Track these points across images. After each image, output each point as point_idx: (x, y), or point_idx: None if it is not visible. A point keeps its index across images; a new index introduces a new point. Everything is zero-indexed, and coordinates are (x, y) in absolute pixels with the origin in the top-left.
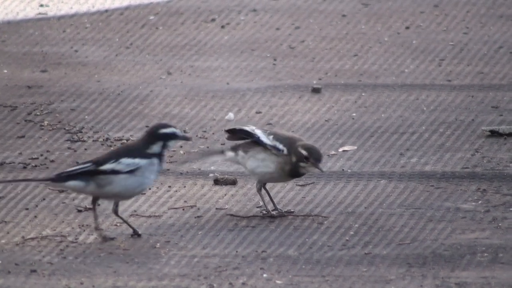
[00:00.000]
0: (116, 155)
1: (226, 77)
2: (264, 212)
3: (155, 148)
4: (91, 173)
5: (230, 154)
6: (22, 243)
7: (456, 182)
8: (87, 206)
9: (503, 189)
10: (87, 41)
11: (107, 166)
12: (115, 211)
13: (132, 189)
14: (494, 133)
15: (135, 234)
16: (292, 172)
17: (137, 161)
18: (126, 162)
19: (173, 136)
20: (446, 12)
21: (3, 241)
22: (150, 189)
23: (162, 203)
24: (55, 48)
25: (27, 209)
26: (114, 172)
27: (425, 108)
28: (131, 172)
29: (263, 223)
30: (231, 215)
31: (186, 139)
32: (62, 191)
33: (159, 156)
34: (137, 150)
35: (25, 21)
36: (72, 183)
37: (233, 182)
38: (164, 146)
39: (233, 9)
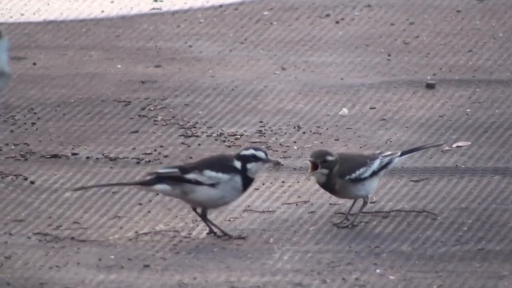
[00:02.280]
0: (201, 166)
1: (340, 72)
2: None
3: (237, 164)
4: (176, 179)
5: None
6: (135, 238)
7: None
8: None
9: None
10: (201, 36)
11: (191, 176)
12: (203, 216)
13: (214, 200)
14: None
15: (225, 234)
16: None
17: (220, 175)
18: (209, 175)
19: (252, 159)
20: None
21: (116, 236)
22: (263, 184)
23: (275, 199)
24: (169, 43)
25: (140, 204)
26: (197, 182)
27: None
28: (212, 185)
29: (376, 218)
30: (341, 213)
31: (269, 161)
32: None
33: (242, 174)
34: (222, 164)
35: (139, 16)
36: (160, 186)
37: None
38: (243, 167)
39: (348, 4)
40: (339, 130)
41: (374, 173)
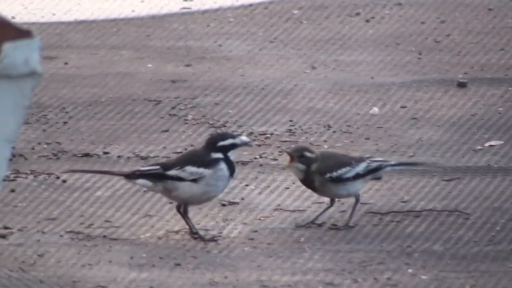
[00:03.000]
0: (182, 162)
1: (371, 71)
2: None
3: (217, 156)
4: (158, 176)
5: None
6: (166, 237)
7: None
8: (231, 201)
9: None
10: (231, 36)
11: (172, 172)
12: (184, 213)
13: (198, 196)
14: None
15: (196, 235)
16: None
17: (201, 170)
18: (190, 171)
19: (232, 147)
20: None
21: (147, 234)
22: (294, 183)
23: (306, 198)
24: (199, 42)
25: (171, 203)
26: (179, 178)
27: None
28: (194, 180)
29: (407, 218)
30: (373, 212)
31: (247, 144)
32: None
33: (226, 161)
34: (202, 158)
35: (169, 15)
36: (141, 181)
37: (378, 177)
38: (226, 157)
39: (378, 3)
40: (369, 129)
41: (359, 176)
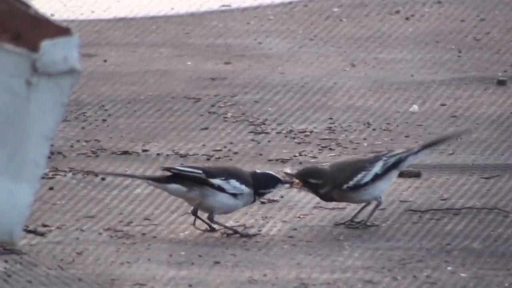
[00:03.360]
0: (227, 174)
1: (411, 69)
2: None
3: (251, 181)
4: (199, 181)
5: None
6: (205, 234)
7: None
8: (271, 198)
9: None
10: (271, 33)
11: (216, 181)
12: (210, 219)
13: (227, 208)
14: None
15: (239, 233)
16: None
17: (243, 187)
18: (234, 185)
19: (266, 188)
20: None
21: (186, 232)
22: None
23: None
24: (239, 40)
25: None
26: (220, 189)
27: None
28: (234, 195)
29: (447, 216)
30: (412, 210)
31: (282, 186)
32: None
33: (256, 192)
34: (243, 177)
35: (209, 13)
36: (173, 186)
37: (417, 175)
38: (257, 187)
39: (418, 1)
40: (409, 127)
41: (378, 176)
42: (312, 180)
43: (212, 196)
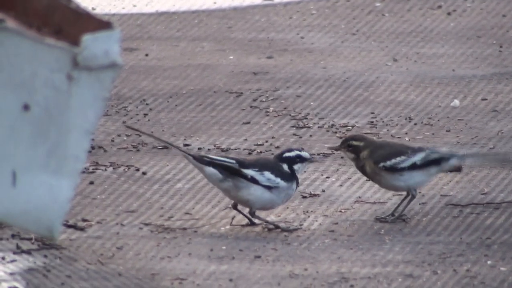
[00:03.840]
0: (261, 166)
1: (452, 64)
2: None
3: (285, 168)
4: (232, 171)
5: None
6: (246, 229)
7: None
8: (312, 193)
9: None
10: (313, 28)
11: (249, 172)
12: (252, 214)
13: (263, 203)
14: None
15: (280, 228)
16: None
17: (278, 180)
18: (268, 177)
19: (297, 160)
20: None
21: (227, 227)
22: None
23: (386, 189)
24: (281, 34)
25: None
26: (254, 180)
27: None
28: (268, 187)
29: (487, 210)
30: (453, 204)
31: (313, 161)
32: None
33: (297, 179)
34: (279, 169)
35: (252, 7)
36: (211, 170)
37: (458, 169)
38: (291, 169)
39: None
40: (450, 122)
41: (416, 166)
42: (354, 142)
43: (246, 188)
